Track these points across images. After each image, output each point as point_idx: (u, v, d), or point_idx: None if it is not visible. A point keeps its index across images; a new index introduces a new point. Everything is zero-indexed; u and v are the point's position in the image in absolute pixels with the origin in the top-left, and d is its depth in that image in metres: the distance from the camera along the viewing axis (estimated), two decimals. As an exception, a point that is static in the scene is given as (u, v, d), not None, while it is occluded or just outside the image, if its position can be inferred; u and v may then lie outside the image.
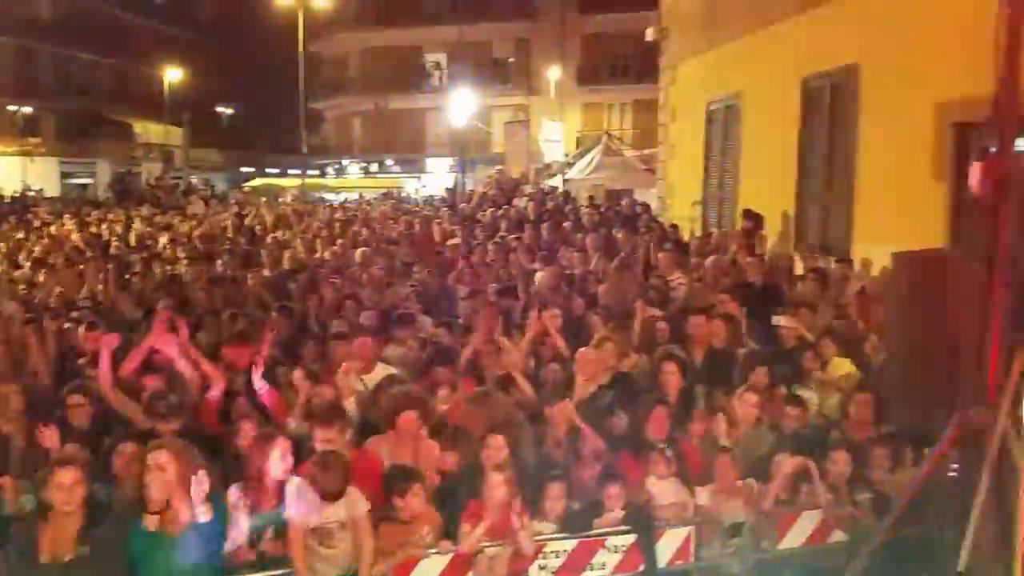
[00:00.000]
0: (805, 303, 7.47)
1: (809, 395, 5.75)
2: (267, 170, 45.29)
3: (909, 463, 4.82)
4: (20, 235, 14.56)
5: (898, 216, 8.88)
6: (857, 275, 9.00)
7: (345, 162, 42.27)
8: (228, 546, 4.09)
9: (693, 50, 14.51)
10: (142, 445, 4.31)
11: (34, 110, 39.43)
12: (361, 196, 28.62)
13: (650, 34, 16.49)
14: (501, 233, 13.54)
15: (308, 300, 8.53)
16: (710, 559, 4.64)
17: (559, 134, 28.10)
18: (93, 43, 41.99)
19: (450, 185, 28.25)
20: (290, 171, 43.23)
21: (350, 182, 38.78)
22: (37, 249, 12.32)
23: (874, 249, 9.26)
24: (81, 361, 6.03)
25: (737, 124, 12.87)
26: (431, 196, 25.09)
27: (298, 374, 5.34)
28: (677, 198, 15.14)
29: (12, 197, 22.37)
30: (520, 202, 17.90)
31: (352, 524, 4.03)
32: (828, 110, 10.41)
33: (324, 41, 41.77)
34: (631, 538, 4.48)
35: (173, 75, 44.08)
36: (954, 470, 4.34)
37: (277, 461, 4.15)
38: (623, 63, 36.24)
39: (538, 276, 9.85)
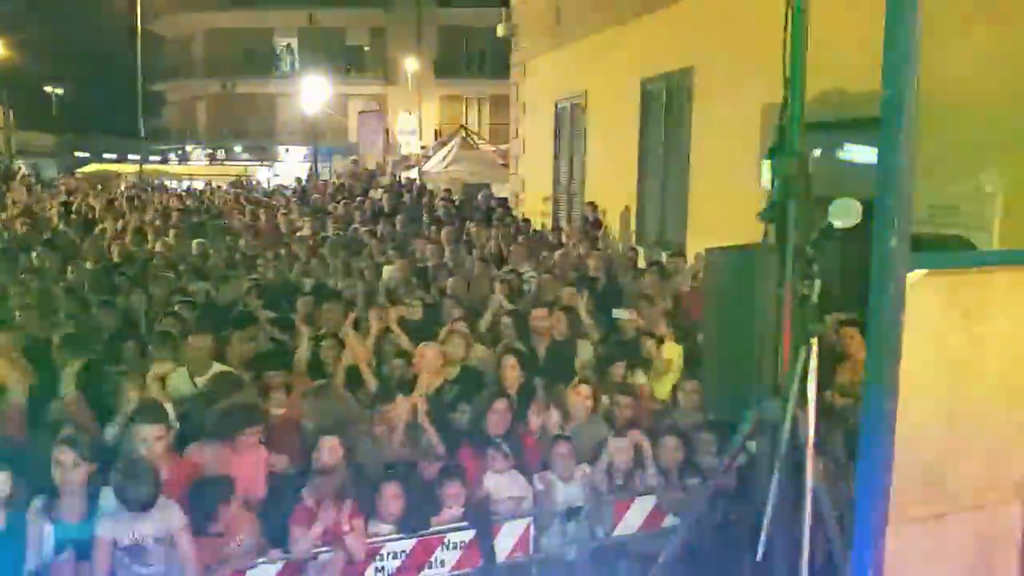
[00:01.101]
0: (645, 296, 7.75)
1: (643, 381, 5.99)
2: (104, 155, 42.23)
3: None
4: None
5: (728, 213, 9.38)
6: (690, 269, 9.46)
7: (189, 148, 40.12)
8: (30, 563, 3.77)
9: (542, 48, 14.79)
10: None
11: None
12: (208, 184, 27.22)
13: (500, 30, 16.65)
14: (355, 225, 13.28)
15: (133, 295, 8.01)
16: (548, 548, 4.72)
17: (415, 126, 27.90)
18: None
19: (301, 175, 27.42)
20: (129, 157, 40.50)
21: (195, 169, 36.82)
22: None
23: (707, 243, 9.75)
24: None
25: (583, 122, 13.24)
26: (281, 185, 24.20)
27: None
28: (529, 193, 15.40)
29: None
30: (375, 194, 17.65)
31: (168, 539, 3.78)
32: (664, 111, 10.89)
33: (166, 20, 39.43)
34: (470, 534, 4.49)
35: (-4, 51, 40.20)
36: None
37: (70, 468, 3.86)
38: (480, 57, 36.47)
39: (387, 269, 9.76)
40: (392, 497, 4.38)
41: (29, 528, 3.77)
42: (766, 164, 3.42)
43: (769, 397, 3.32)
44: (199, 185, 28.12)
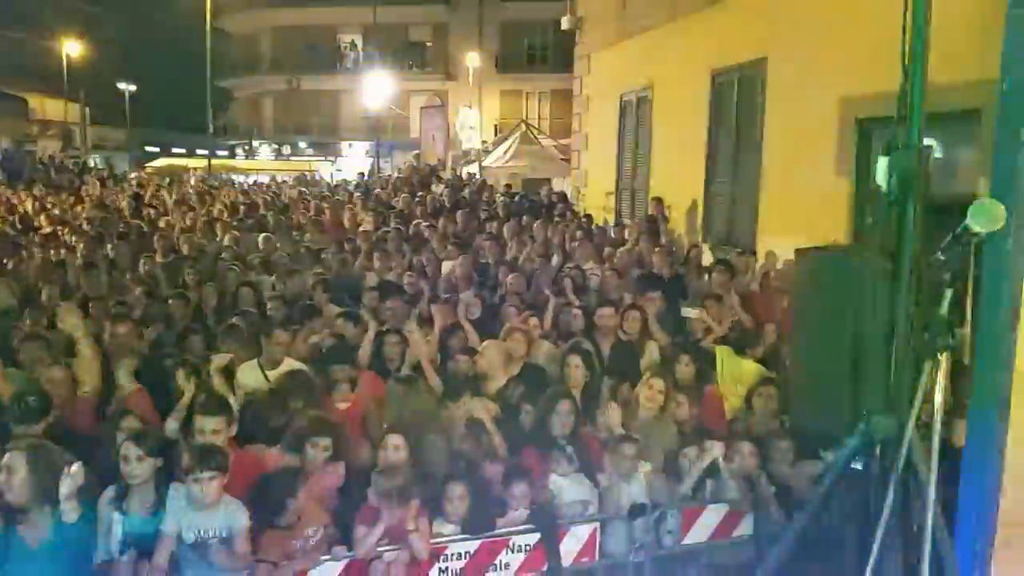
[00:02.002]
0: (713, 295, 7.52)
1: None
2: (173, 150, 43.42)
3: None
4: None
5: (802, 210, 9.07)
6: (761, 267, 9.16)
7: (255, 143, 40.93)
8: (100, 556, 3.80)
9: (607, 40, 14.53)
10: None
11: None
12: (273, 179, 27.73)
13: (565, 23, 16.43)
14: (416, 220, 13.29)
15: (203, 288, 8.12)
16: (614, 553, 4.57)
17: (475, 121, 27.88)
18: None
19: (364, 170, 27.67)
20: (197, 151, 41.54)
21: (261, 164, 37.56)
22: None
23: (778, 242, 9.45)
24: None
25: (649, 115, 12.95)
26: (345, 180, 24.46)
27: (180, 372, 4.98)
28: (591, 187, 15.18)
29: None
30: (436, 189, 17.67)
31: (231, 539, 3.76)
32: (736, 103, 10.55)
33: (233, 18, 40.27)
34: (535, 537, 4.37)
35: (72, 49, 41.68)
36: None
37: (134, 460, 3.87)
38: (542, 51, 36.29)
39: (447, 265, 9.71)
40: (458, 497, 4.29)
41: (100, 519, 3.80)
42: (882, 160, 3.15)
43: (880, 412, 3.06)
44: (265, 180, 28.66)
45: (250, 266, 9.39)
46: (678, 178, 11.75)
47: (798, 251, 3.37)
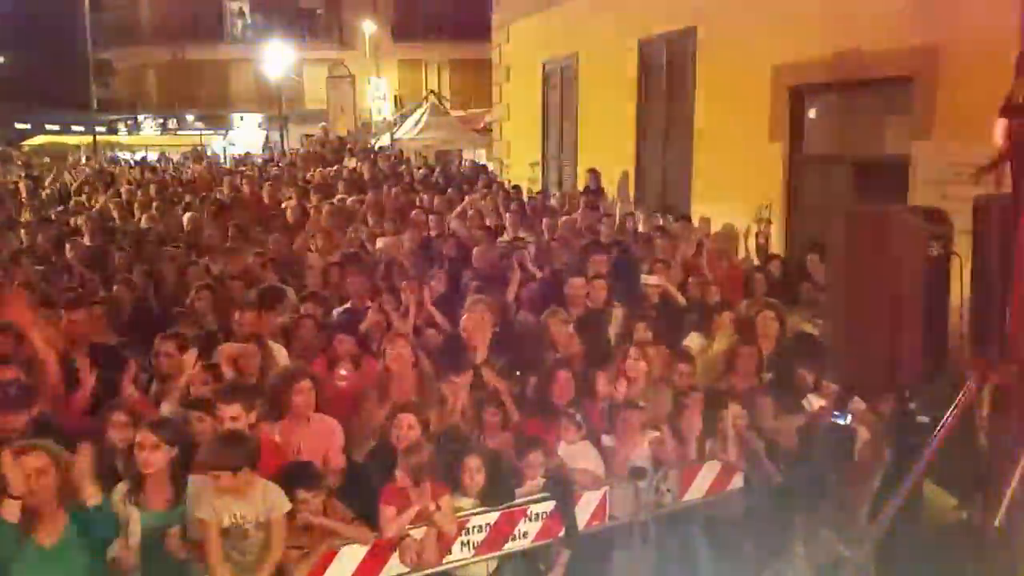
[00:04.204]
0: (661, 260, 7.75)
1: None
2: (47, 127, 40.46)
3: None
4: None
5: (737, 176, 9.44)
6: (695, 233, 9.48)
7: (140, 117, 38.68)
8: (114, 551, 3.63)
9: (527, 9, 14.52)
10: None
11: None
12: (163, 155, 26.34)
13: (480, -9, 16.30)
14: (340, 196, 12.98)
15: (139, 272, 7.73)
16: (620, 517, 4.72)
17: (385, 91, 27.29)
18: None
19: (257, 143, 26.71)
20: (74, 127, 38.88)
21: (147, 139, 35.57)
22: None
23: (712, 209, 9.82)
24: None
25: (574, 85, 13.08)
26: (247, 154, 23.53)
27: (190, 354, 4.77)
28: (515, 159, 15.23)
29: None
30: (350, 162, 17.28)
31: (267, 525, 3.68)
32: (665, 72, 10.81)
33: (109, -17, 37.74)
34: (550, 505, 4.46)
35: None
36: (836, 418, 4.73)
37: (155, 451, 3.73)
38: (439, 20, 35.74)
39: (382, 241, 9.60)
40: (475, 470, 4.32)
41: (117, 513, 3.64)
42: (1001, 122, 3.32)
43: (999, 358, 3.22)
44: (153, 156, 27.20)
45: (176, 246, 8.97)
46: (607, 148, 11.97)
47: (846, 212, 3.50)
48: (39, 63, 44.70)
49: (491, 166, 16.37)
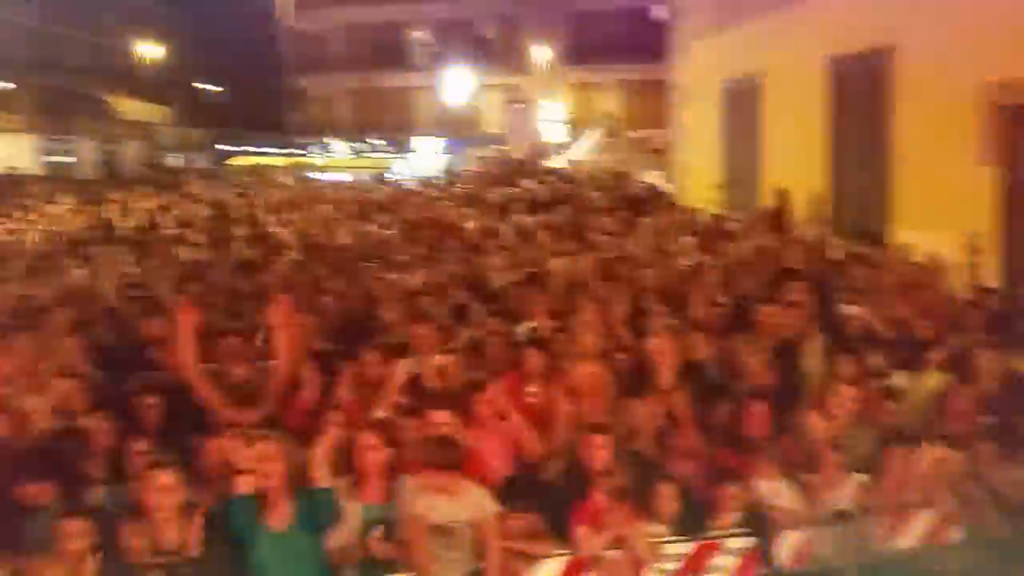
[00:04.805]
0: (862, 290, 7.33)
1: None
2: (249, 149, 44.44)
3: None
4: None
5: (939, 202, 8.80)
6: (896, 262, 8.89)
7: (329, 141, 41.58)
8: (333, 542, 3.90)
9: (707, 29, 14.32)
10: (233, 439, 4.17)
11: (10, 86, 38.25)
12: (353, 178, 28.19)
13: (659, 12, 16.26)
14: (517, 215, 13.32)
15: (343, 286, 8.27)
16: (821, 558, 4.49)
17: (561, 114, 27.74)
18: (69, 17, 40.81)
19: (443, 165, 27.90)
20: (272, 149, 42.47)
21: (338, 161, 38.15)
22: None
23: (914, 235, 9.19)
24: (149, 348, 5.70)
25: (757, 104, 12.72)
26: (432, 176, 24.71)
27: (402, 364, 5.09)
28: (693, 180, 14.99)
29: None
30: (527, 184, 17.69)
31: (478, 527, 3.83)
32: (860, 91, 10.27)
33: (307, 16, 40.95)
34: (749, 541, 4.32)
35: (150, 51, 42.95)
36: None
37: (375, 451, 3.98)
38: (612, 42, 35.89)
39: (560, 261, 9.69)
40: (669, 497, 4.27)
41: (339, 504, 3.92)
42: None
43: None
44: (345, 177, 29.13)
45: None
46: (793, 169, 11.53)
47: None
48: (243, 92, 49.27)
49: (667, 188, 16.19)
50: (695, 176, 14.93)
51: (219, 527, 3.74)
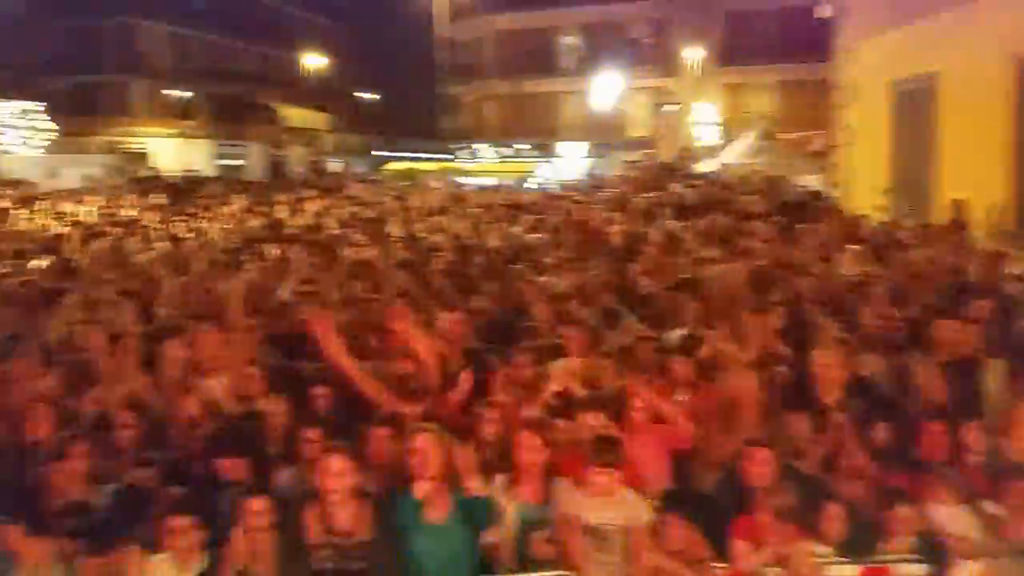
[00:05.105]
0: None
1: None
2: (401, 154, 46.25)
3: None
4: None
5: None
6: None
7: (477, 146, 42.57)
8: (488, 537, 3.97)
9: (876, 27, 13.54)
10: (396, 429, 4.34)
11: (189, 94, 41.77)
12: (499, 181, 28.72)
13: (823, 11, 15.54)
14: (665, 220, 13.11)
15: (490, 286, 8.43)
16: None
17: (713, 116, 27.08)
18: (241, 30, 44.07)
19: (586, 170, 27.93)
20: (423, 155, 44.01)
21: (485, 166, 39.01)
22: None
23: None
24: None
25: (932, 106, 11.89)
26: (577, 180, 24.80)
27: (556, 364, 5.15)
28: (857, 185, 14.22)
29: (181, 177, 23.71)
30: (675, 188, 17.38)
31: (631, 532, 3.80)
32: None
33: (460, 25, 42.14)
34: (922, 569, 4.05)
35: (314, 61, 45.58)
36: None
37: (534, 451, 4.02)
38: (768, 42, 34.63)
39: (713, 268, 9.42)
40: (836, 518, 4.07)
41: (494, 501, 4.00)
42: None
43: None
44: (489, 182, 29.73)
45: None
46: (972, 176, 10.70)
47: None
48: (399, 99, 51.38)
49: (827, 193, 15.43)
50: (860, 181, 14.14)
51: (385, 515, 3.89)
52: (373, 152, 49.21)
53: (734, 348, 5.96)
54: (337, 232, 12.17)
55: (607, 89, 28.76)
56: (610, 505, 3.81)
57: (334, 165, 41.01)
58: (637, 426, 4.61)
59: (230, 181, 24.27)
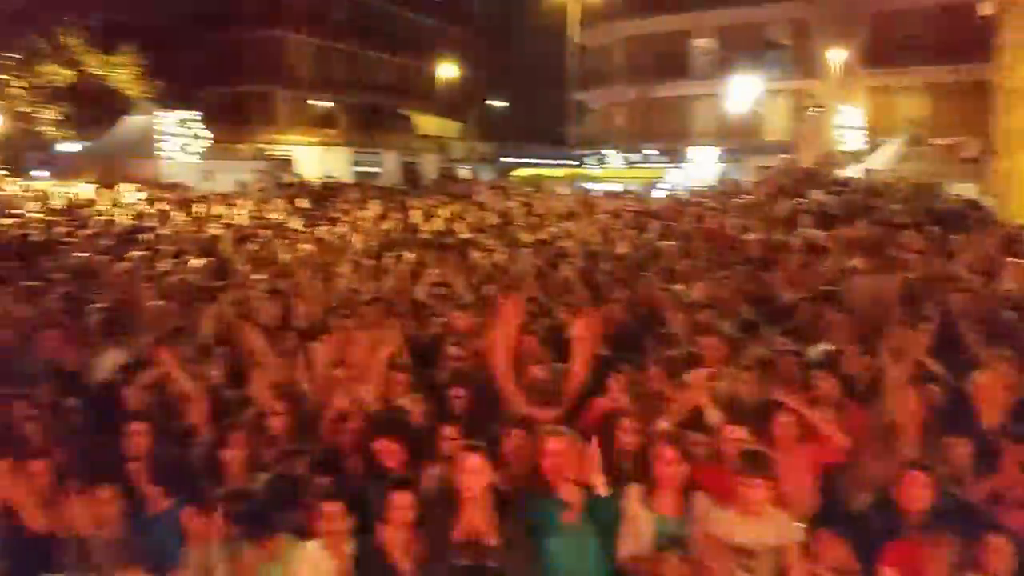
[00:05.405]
0: None
1: None
2: (527, 161, 46.69)
3: None
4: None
5: None
6: None
7: (605, 152, 42.36)
8: (624, 547, 3.93)
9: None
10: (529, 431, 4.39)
11: (330, 104, 43.84)
12: (627, 186, 28.46)
13: (986, 8, 14.50)
14: (804, 229, 12.59)
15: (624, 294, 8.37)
16: None
17: (858, 120, 25.82)
18: (379, 41, 45.85)
19: (719, 175, 27.23)
20: (548, 161, 44.24)
21: (613, 172, 38.75)
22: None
23: None
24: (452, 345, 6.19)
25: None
26: (708, 186, 24.22)
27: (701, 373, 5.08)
28: (1020, 195, 13.19)
29: (322, 183, 24.87)
30: (817, 195, 16.64)
31: (782, 552, 3.66)
32: None
33: (590, 31, 42.12)
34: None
35: (447, 71, 46.77)
36: None
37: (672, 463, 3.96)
38: (918, 42, 32.64)
39: (859, 279, 8.95)
40: (1000, 551, 3.74)
41: (622, 508, 3.97)
42: None
43: None
44: (616, 188, 29.49)
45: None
46: None
47: None
48: (528, 106, 51.98)
49: (985, 202, 14.38)
50: (1020, 189, 13.11)
51: (519, 515, 3.93)
52: (501, 159, 49.95)
53: (891, 364, 5.66)
54: (468, 236, 12.41)
55: (743, 92, 27.94)
56: (759, 523, 3.68)
57: (463, 172, 41.87)
58: (784, 441, 4.43)
59: (367, 187, 25.16)
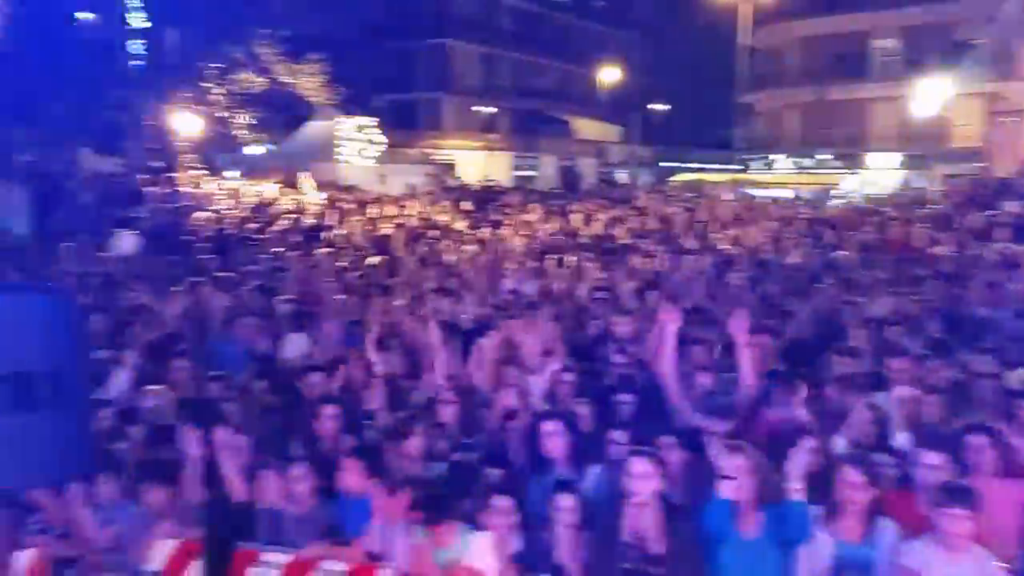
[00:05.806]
0: None
1: None
2: (689, 165, 45.63)
3: None
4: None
5: None
6: None
7: (772, 157, 40.66)
8: (803, 569, 3.75)
9: None
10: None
11: (493, 110, 44.84)
12: (797, 193, 27.18)
13: None
14: (1002, 242, 11.58)
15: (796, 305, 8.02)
16: None
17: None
18: (543, 47, 46.42)
19: (900, 182, 25.46)
20: (711, 166, 42.95)
21: (781, 177, 37.11)
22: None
23: None
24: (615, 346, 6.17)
25: None
26: (888, 194, 22.76)
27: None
28: None
29: (483, 187, 25.48)
30: (1013, 206, 15.22)
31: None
32: None
33: (759, 32, 40.62)
34: None
35: (609, 75, 46.54)
36: None
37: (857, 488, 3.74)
38: None
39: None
40: None
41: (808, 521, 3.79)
42: None
43: None
44: (786, 194, 28.23)
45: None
46: None
47: None
48: (690, 110, 50.88)
49: None
50: None
51: (689, 524, 3.85)
52: (661, 163, 49.11)
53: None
54: (628, 242, 12.31)
55: (930, 95, 25.95)
56: (960, 559, 3.39)
57: (621, 176, 41.54)
58: (983, 471, 4.07)
59: (527, 191, 25.51)
